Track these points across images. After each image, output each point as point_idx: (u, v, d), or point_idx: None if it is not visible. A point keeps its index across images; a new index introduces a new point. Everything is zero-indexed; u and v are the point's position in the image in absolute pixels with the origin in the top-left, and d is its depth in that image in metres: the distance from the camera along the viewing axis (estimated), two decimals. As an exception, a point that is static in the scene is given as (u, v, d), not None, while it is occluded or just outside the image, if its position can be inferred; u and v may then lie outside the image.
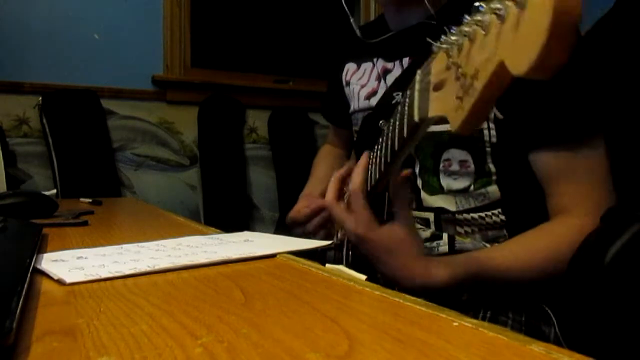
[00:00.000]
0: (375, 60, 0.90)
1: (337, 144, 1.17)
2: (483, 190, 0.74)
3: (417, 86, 0.48)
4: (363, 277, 0.43)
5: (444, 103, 0.41)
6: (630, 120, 0.77)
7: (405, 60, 0.83)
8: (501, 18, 0.30)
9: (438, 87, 0.42)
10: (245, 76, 2.45)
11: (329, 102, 1.11)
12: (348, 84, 0.96)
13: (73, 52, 2.05)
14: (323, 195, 1.02)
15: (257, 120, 2.46)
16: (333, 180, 0.72)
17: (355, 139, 0.96)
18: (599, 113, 0.68)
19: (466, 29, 0.35)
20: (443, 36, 0.40)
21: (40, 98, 1.97)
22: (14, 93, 1.96)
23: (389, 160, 0.58)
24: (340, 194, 0.71)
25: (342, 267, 0.46)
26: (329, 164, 1.12)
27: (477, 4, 0.34)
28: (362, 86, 0.91)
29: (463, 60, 0.36)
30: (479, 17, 0.34)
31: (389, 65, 0.86)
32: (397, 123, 0.54)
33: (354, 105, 0.94)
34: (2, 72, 1.93)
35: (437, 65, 0.43)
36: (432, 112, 0.44)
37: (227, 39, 2.46)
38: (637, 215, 0.56)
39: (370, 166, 0.66)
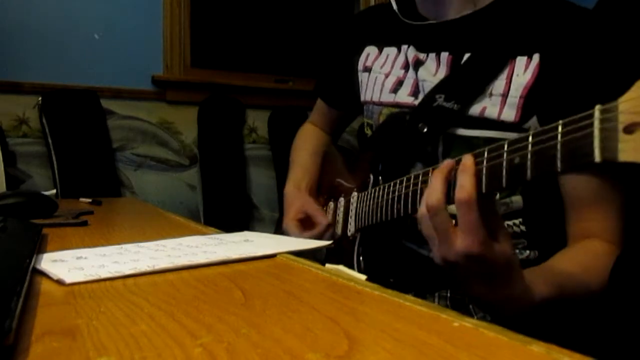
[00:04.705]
0: (404, 47, 0.83)
1: (321, 125, 1.10)
2: (507, 199, 0.72)
3: (596, 123, 0.40)
4: (363, 277, 0.43)
5: None
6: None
7: (444, 55, 0.77)
8: None
9: (630, 130, 0.38)
10: (245, 76, 2.45)
11: (329, 80, 1.04)
12: (368, 69, 0.89)
13: (73, 52, 2.05)
14: (310, 190, 0.96)
15: (257, 120, 2.46)
16: (438, 178, 0.55)
17: (371, 132, 0.89)
18: None
19: None
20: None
21: (40, 98, 1.97)
22: (14, 93, 1.96)
23: (503, 184, 0.48)
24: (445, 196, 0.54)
25: (342, 267, 0.46)
26: (312, 149, 1.04)
27: None
28: (386, 75, 0.84)
29: None
30: None
31: (422, 55, 0.80)
32: (534, 151, 0.45)
33: (372, 96, 0.86)
34: (2, 72, 1.93)
35: (629, 104, 0.39)
36: (626, 157, 0.39)
37: (227, 39, 2.46)
38: None
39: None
